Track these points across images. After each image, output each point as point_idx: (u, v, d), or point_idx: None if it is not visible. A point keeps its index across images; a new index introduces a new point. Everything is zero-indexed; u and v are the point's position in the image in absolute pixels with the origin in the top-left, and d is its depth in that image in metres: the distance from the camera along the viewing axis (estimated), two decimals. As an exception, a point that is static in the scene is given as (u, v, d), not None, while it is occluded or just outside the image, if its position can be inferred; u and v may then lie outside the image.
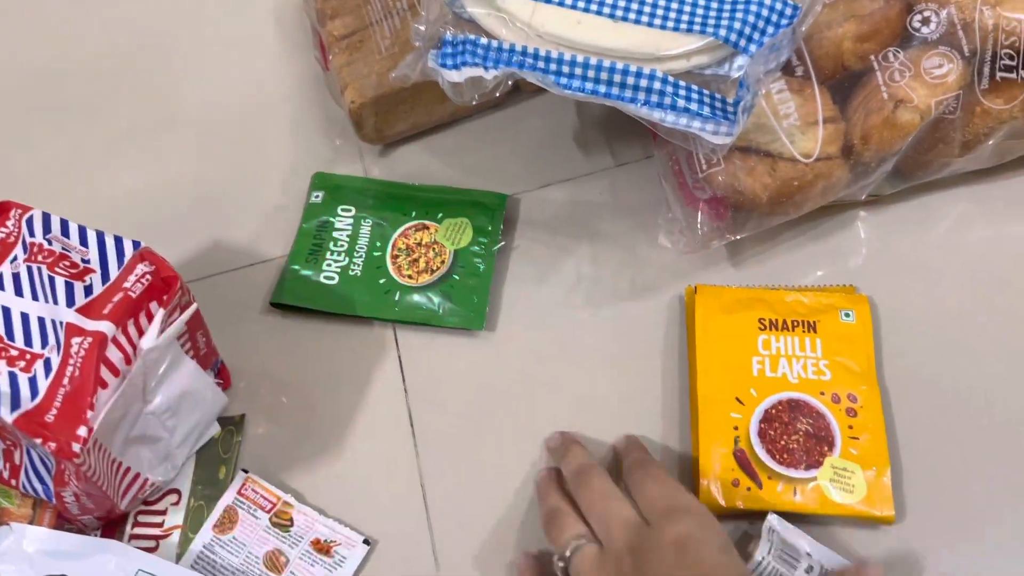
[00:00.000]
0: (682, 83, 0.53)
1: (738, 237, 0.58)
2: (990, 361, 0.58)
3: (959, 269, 0.61)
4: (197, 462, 0.59)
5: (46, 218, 0.54)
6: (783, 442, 0.54)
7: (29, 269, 0.52)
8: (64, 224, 0.54)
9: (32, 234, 0.53)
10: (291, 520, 0.56)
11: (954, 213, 0.63)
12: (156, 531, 0.57)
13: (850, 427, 0.55)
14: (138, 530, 0.57)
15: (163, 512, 0.57)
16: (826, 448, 0.54)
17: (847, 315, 0.58)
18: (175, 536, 0.57)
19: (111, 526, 0.57)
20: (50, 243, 0.53)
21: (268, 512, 0.57)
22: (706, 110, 0.53)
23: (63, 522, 0.56)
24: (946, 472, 0.55)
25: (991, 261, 0.61)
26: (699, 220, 0.58)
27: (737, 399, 0.56)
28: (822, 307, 0.58)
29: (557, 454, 0.56)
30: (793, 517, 0.52)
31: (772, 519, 0.52)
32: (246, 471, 0.58)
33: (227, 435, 0.60)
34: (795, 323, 0.58)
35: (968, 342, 0.59)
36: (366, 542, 0.56)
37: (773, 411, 0.55)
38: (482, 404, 0.60)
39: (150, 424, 0.54)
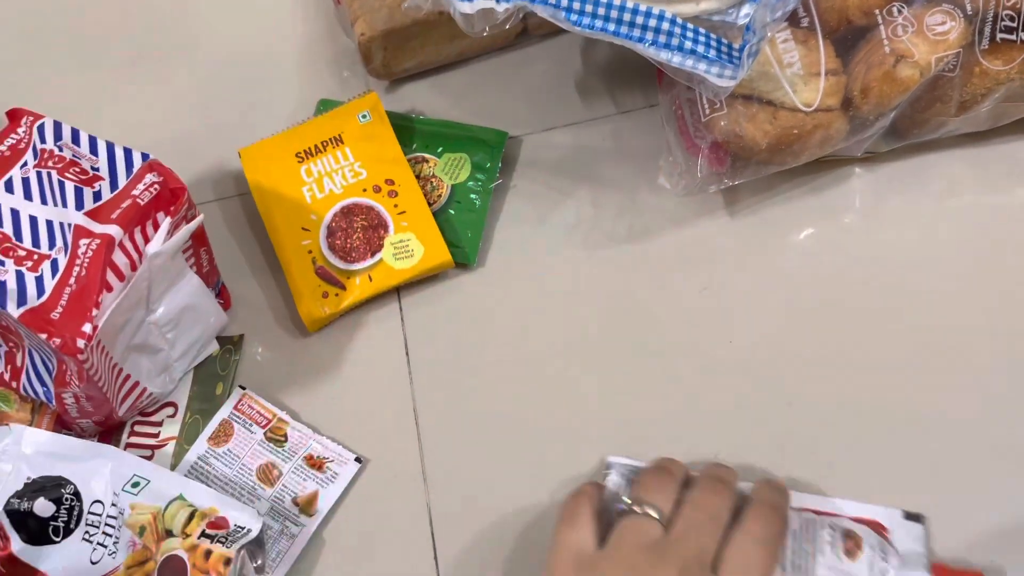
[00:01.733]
0: (690, 25, 0.53)
1: (735, 183, 0.60)
2: (971, 319, 0.59)
3: (949, 229, 0.62)
4: (195, 378, 0.60)
5: (57, 126, 0.55)
6: (348, 244, 0.62)
7: (39, 174, 0.53)
8: (75, 133, 0.55)
9: (43, 140, 0.54)
10: (285, 436, 0.58)
11: (948, 174, 0.64)
12: (152, 441, 0.58)
13: (395, 206, 0.63)
14: (134, 439, 0.58)
15: (159, 423, 0.59)
16: (383, 232, 0.62)
17: (364, 116, 0.65)
18: (170, 447, 0.58)
19: (108, 434, 0.58)
20: (61, 150, 0.54)
21: (263, 427, 0.58)
22: (712, 53, 0.54)
23: (61, 428, 0.58)
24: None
25: (981, 223, 0.62)
26: (699, 165, 0.59)
27: (303, 228, 0.62)
28: (342, 118, 0.65)
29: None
30: (378, 298, 0.62)
31: (611, 459, 0.55)
32: (243, 388, 0.59)
33: (225, 354, 0.61)
34: (324, 143, 0.64)
35: (953, 299, 0.60)
36: (358, 460, 0.57)
37: (333, 224, 0.62)
38: (474, 336, 0.61)
39: (151, 334, 0.55)
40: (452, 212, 0.64)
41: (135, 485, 0.54)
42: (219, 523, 0.53)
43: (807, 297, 0.61)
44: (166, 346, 0.57)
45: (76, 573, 0.53)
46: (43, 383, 0.54)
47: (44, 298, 0.49)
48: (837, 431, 0.57)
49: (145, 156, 0.54)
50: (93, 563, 0.53)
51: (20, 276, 0.50)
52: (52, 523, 0.53)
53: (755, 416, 0.57)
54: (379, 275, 0.61)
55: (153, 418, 0.59)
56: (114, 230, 0.50)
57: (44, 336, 0.48)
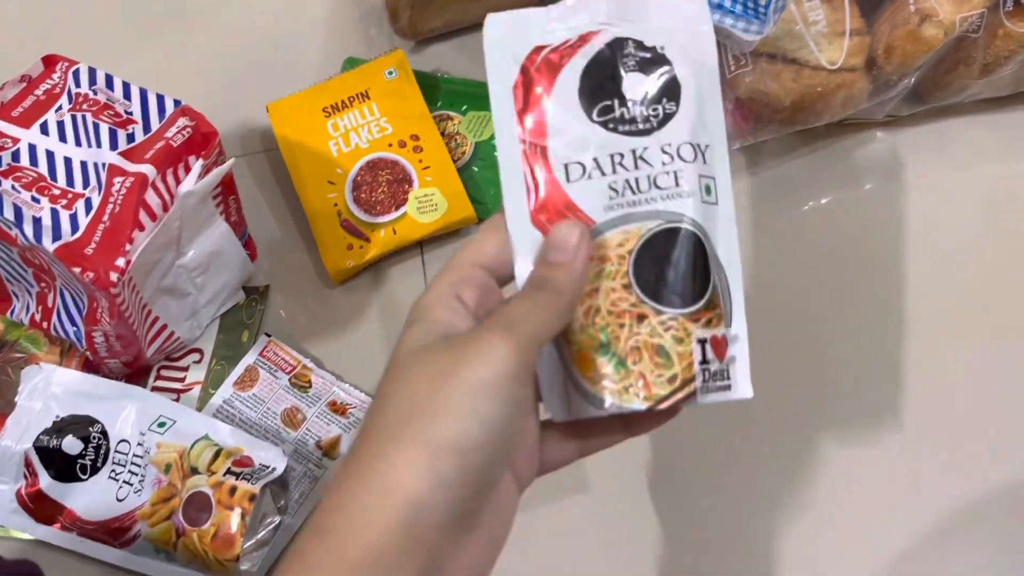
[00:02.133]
0: (717, -19, 0.54)
1: (758, 140, 0.60)
2: (991, 283, 0.60)
3: (969, 195, 0.63)
4: (221, 326, 0.61)
5: (91, 72, 0.56)
6: (373, 198, 0.62)
7: (74, 117, 0.54)
8: (109, 78, 0.56)
9: (78, 85, 0.55)
10: (309, 382, 0.58)
11: (970, 140, 0.64)
12: (177, 385, 0.59)
13: (420, 161, 0.63)
14: (160, 383, 0.59)
15: (185, 368, 0.60)
16: (407, 186, 0.63)
17: (391, 73, 0.66)
18: (196, 391, 0.59)
19: (135, 377, 0.59)
20: (95, 94, 0.55)
21: (288, 373, 0.59)
22: (738, 7, 0.54)
23: (90, 370, 0.59)
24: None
25: (1002, 189, 0.63)
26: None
27: (329, 181, 0.63)
28: (368, 74, 0.66)
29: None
30: (401, 252, 0.63)
31: None
32: (269, 335, 0.60)
33: (251, 303, 0.62)
34: (351, 99, 0.65)
35: (970, 266, 0.60)
36: None
37: (358, 178, 0.63)
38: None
39: (181, 277, 0.56)
40: (476, 169, 0.65)
41: (161, 425, 0.55)
42: (244, 461, 0.53)
43: (825, 260, 0.61)
44: (194, 290, 0.58)
45: (102, 509, 0.54)
46: (74, 323, 0.55)
47: (79, 234, 0.50)
48: (852, 393, 0.57)
49: (177, 102, 0.55)
50: (119, 500, 0.54)
51: (55, 213, 0.51)
52: (80, 461, 0.55)
53: (770, 376, 0.58)
54: (403, 228, 0.62)
55: (179, 363, 0.60)
56: (148, 169, 0.51)
57: (78, 270, 0.49)
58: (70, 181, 0.52)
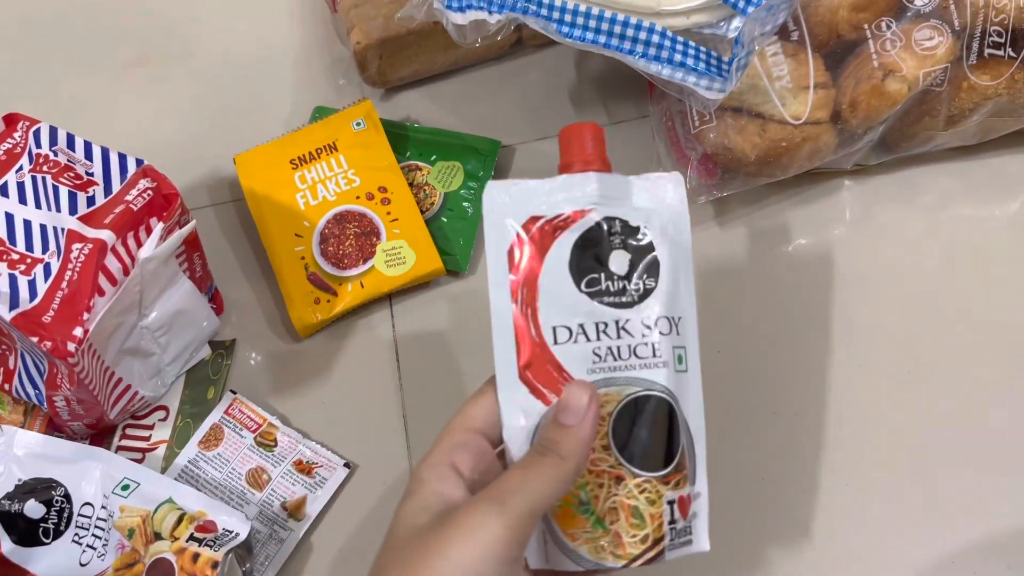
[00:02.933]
0: (680, 39, 0.54)
1: (724, 194, 0.60)
2: (958, 331, 0.60)
3: (937, 243, 0.63)
4: (187, 382, 0.61)
5: (53, 131, 0.55)
6: (340, 251, 0.62)
7: (34, 179, 0.54)
8: (70, 138, 0.55)
9: (39, 145, 0.55)
10: (275, 441, 0.58)
11: (936, 188, 0.64)
12: (143, 444, 0.59)
13: (388, 213, 0.63)
14: (125, 442, 0.59)
15: (151, 427, 0.59)
16: (375, 239, 0.62)
17: (359, 124, 0.66)
18: (161, 450, 0.58)
19: (99, 437, 0.59)
20: (56, 155, 0.55)
21: (254, 432, 0.58)
22: (701, 66, 0.54)
23: (53, 430, 0.58)
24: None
25: (969, 237, 0.63)
26: (688, 176, 0.59)
27: (296, 234, 0.63)
28: (336, 125, 0.66)
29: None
30: (370, 305, 0.62)
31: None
32: (234, 392, 0.60)
33: (217, 358, 0.61)
34: (319, 150, 0.65)
35: (938, 312, 0.60)
36: (347, 465, 0.57)
37: (326, 230, 0.62)
38: (464, 342, 0.61)
39: (144, 338, 0.56)
40: (444, 220, 0.65)
41: (125, 488, 0.55)
42: (207, 527, 0.53)
43: (795, 309, 0.61)
44: (158, 350, 0.57)
45: (65, 574, 0.54)
46: (35, 386, 0.55)
47: (36, 301, 0.50)
48: (816, 444, 0.57)
49: (139, 162, 0.55)
50: (82, 565, 0.54)
51: (13, 279, 0.50)
52: (42, 524, 0.54)
53: (743, 428, 0.58)
54: (371, 282, 0.62)
55: (144, 421, 0.59)
56: (107, 235, 0.51)
57: (35, 339, 0.49)
58: (29, 245, 0.52)
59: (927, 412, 0.58)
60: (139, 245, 0.52)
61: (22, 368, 0.55)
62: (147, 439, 0.59)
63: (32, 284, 0.50)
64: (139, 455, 0.58)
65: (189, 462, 0.58)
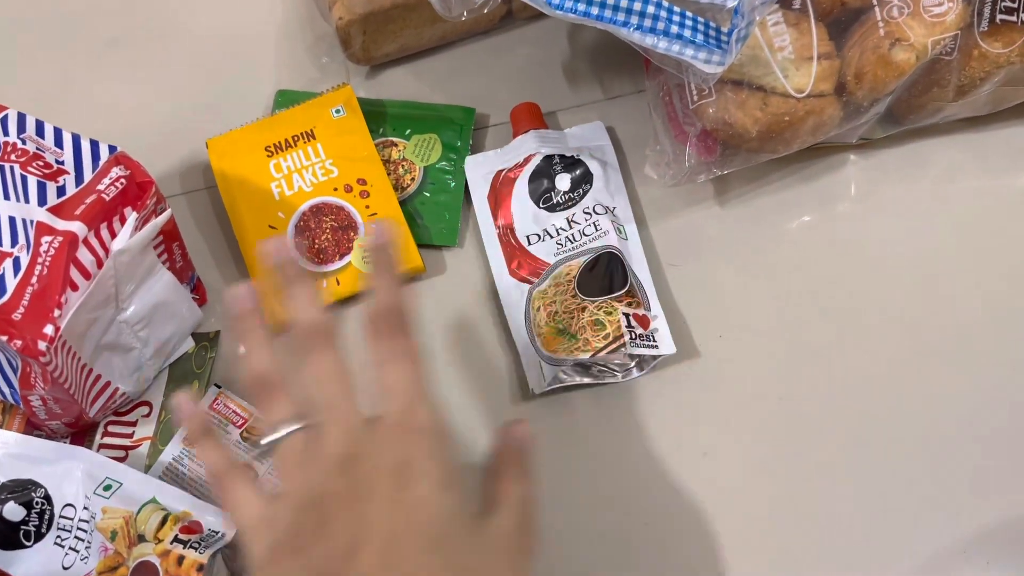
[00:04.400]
0: (676, 8, 0.51)
1: (725, 172, 0.58)
2: (969, 307, 0.58)
3: (947, 217, 0.60)
4: (170, 376, 0.58)
5: (21, 118, 0.53)
6: (316, 245, 0.59)
7: (1, 168, 0.51)
8: (39, 125, 0.53)
9: (6, 133, 0.52)
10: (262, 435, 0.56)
11: (945, 161, 0.62)
12: (126, 441, 0.57)
13: (367, 207, 0.60)
14: (108, 439, 0.57)
15: (133, 423, 0.57)
16: (352, 234, 0.60)
17: (338, 111, 0.63)
18: (145, 447, 0.56)
19: (80, 435, 0.57)
20: (24, 143, 0.52)
21: (239, 427, 0.56)
22: (699, 37, 0.51)
23: (32, 429, 0.56)
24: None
25: (979, 211, 0.60)
26: (687, 154, 0.57)
27: (270, 226, 0.60)
28: (315, 111, 0.63)
29: (286, 280, 0.45)
30: (344, 302, 0.59)
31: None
32: (219, 386, 0.58)
33: (201, 351, 0.59)
34: (295, 138, 0.62)
35: (948, 288, 0.58)
36: None
37: (301, 223, 0.60)
38: (456, 317, 0.59)
39: (123, 333, 0.53)
40: (428, 195, 0.62)
41: (107, 488, 0.53)
42: (192, 527, 0.51)
43: (800, 288, 0.59)
44: (138, 344, 0.55)
45: (47, 578, 0.52)
46: (9, 384, 0.53)
47: (5, 298, 0.47)
48: (822, 428, 0.55)
49: (112, 148, 0.52)
50: (65, 568, 0.52)
51: (-19, 275, 0.48)
52: (23, 527, 0.52)
53: (747, 413, 0.56)
54: (347, 279, 0.59)
55: (127, 418, 0.57)
56: (77, 227, 0.48)
57: (5, 338, 0.47)
58: (-2, 239, 0.50)
59: (936, 392, 0.56)
60: (113, 235, 0.50)
61: (-4, 366, 0.53)
62: (130, 436, 0.57)
63: (1, 280, 0.48)
64: (122, 452, 0.56)
65: (174, 459, 0.56)
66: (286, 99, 0.66)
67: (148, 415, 0.57)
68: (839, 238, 0.60)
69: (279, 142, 0.62)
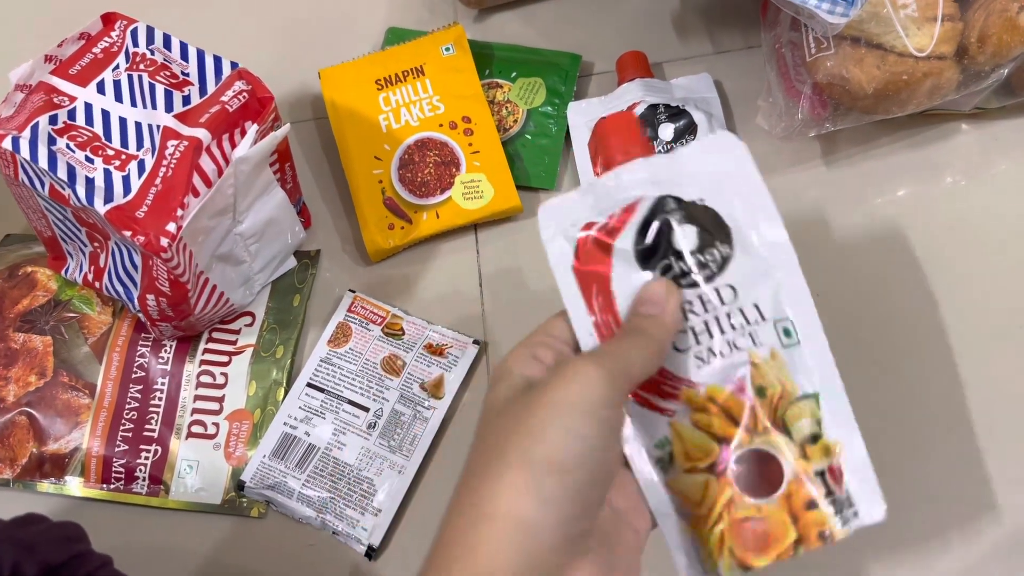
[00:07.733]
0: (803, -43, 0.51)
1: (836, 128, 0.57)
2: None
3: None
4: (273, 289, 0.61)
5: (150, 31, 0.55)
6: (419, 178, 0.60)
7: (130, 77, 0.53)
8: (167, 38, 0.55)
9: (136, 44, 0.54)
10: (402, 329, 0.58)
11: (1063, 137, 0.60)
12: (229, 348, 0.59)
13: (470, 144, 0.61)
14: (212, 345, 0.59)
15: (237, 331, 0.59)
16: (454, 170, 0.61)
17: (448, 49, 0.63)
18: (247, 354, 0.59)
19: (186, 339, 0.59)
20: (152, 53, 0.54)
21: (379, 325, 0.58)
22: (824, -13, 0.51)
23: (140, 333, 0.58)
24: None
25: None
26: (800, 107, 0.56)
27: (376, 157, 0.61)
28: (425, 48, 0.64)
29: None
30: (441, 235, 0.61)
31: None
32: (353, 291, 0.60)
33: (303, 268, 0.61)
34: (405, 73, 0.63)
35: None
36: (476, 343, 0.58)
37: (405, 156, 0.61)
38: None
39: (236, 245, 0.55)
40: (529, 137, 0.63)
41: (786, 333, 0.38)
42: (836, 474, 0.37)
43: (900, 257, 0.58)
44: (249, 258, 0.57)
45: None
46: (124, 285, 0.55)
47: (130, 196, 0.49)
48: (919, 398, 0.55)
49: (234, 64, 0.54)
50: (679, 351, 0.38)
51: (108, 174, 0.50)
52: (671, 265, 0.38)
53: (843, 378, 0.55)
54: (447, 213, 0.60)
55: (231, 326, 0.59)
56: (202, 133, 0.50)
57: (128, 234, 0.48)
58: (124, 142, 0.52)
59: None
60: (233, 147, 0.52)
61: (112, 267, 0.55)
62: (233, 343, 0.59)
63: (127, 180, 0.50)
64: (225, 358, 0.58)
65: (322, 360, 0.58)
66: (396, 36, 0.67)
67: (251, 324, 0.59)
68: (946, 209, 0.59)
69: (389, 76, 0.63)
